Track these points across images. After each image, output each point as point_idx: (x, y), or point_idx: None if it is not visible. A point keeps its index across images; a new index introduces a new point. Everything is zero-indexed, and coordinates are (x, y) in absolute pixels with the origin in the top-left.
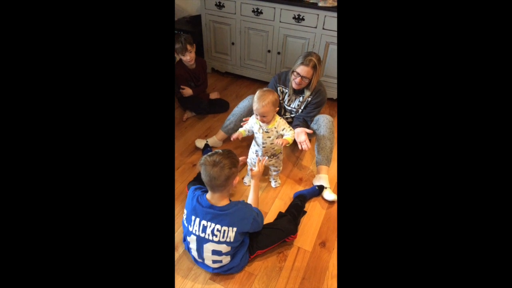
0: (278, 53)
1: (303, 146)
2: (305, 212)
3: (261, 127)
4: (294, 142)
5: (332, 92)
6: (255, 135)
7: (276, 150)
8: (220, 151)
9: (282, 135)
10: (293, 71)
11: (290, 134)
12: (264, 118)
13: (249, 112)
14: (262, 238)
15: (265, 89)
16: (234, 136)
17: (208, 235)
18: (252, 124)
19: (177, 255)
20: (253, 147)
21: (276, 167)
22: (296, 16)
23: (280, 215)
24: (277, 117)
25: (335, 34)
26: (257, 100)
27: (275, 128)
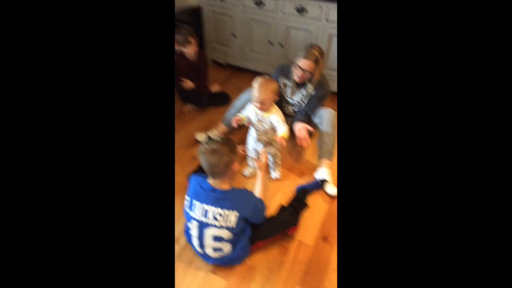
0: (281, 45)
1: (303, 143)
2: (307, 206)
3: (257, 115)
4: (294, 135)
5: (335, 85)
6: (253, 120)
7: (270, 138)
8: (218, 138)
9: (274, 128)
10: (294, 64)
11: (283, 129)
12: (264, 106)
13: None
14: (263, 230)
15: (265, 76)
16: (234, 120)
17: (210, 219)
18: (250, 112)
19: (178, 247)
20: (250, 136)
21: (273, 155)
22: (299, 8)
23: (282, 208)
24: (274, 107)
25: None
26: (258, 87)
27: (269, 118)
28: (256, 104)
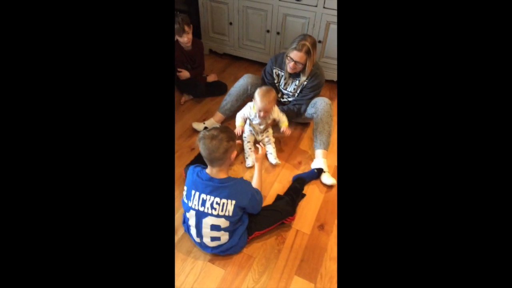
0: (278, 33)
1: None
2: (304, 195)
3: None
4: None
5: (332, 74)
6: (252, 119)
7: (267, 124)
8: (218, 126)
9: (274, 119)
10: (287, 56)
11: (284, 120)
12: (267, 113)
13: (245, 91)
14: (260, 219)
15: (264, 87)
16: (238, 132)
17: (208, 208)
18: (249, 111)
19: (176, 238)
20: (248, 126)
21: (268, 137)
22: None
23: (279, 197)
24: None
25: (336, 13)
26: (262, 98)
27: (271, 114)
28: (260, 113)
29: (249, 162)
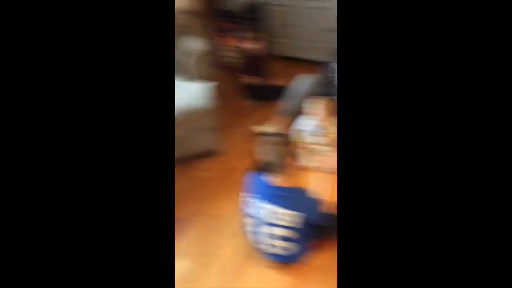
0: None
1: None
2: None
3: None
4: None
5: None
6: (306, 130)
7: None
8: (279, 130)
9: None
10: None
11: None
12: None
13: (305, 92)
14: (323, 228)
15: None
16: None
17: (268, 217)
18: (303, 122)
19: (237, 241)
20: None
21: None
22: None
23: None
24: None
25: None
26: (313, 105)
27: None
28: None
29: (306, 162)
